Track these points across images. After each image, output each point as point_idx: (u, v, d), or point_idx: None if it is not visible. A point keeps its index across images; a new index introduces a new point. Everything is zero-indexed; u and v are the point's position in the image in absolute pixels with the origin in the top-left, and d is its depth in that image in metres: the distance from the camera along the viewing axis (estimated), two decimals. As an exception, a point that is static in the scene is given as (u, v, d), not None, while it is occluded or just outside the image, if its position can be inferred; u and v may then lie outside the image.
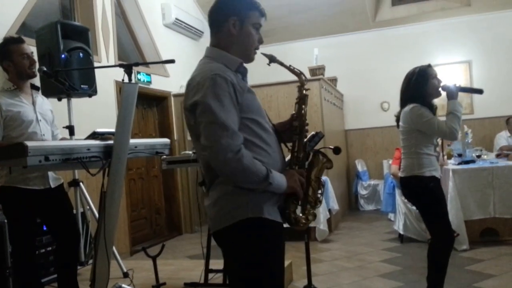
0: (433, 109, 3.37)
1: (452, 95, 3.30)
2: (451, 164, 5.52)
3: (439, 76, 3.43)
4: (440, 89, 3.37)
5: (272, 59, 2.07)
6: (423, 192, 3.34)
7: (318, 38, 8.81)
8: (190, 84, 1.86)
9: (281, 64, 2.08)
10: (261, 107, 1.94)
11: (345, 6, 8.20)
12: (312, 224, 4.74)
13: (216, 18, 1.96)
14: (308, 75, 6.37)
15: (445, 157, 5.46)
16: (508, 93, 8.02)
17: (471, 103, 8.23)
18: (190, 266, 4.64)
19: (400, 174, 3.48)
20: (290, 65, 2.10)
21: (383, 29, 8.72)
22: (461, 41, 8.34)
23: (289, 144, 2.05)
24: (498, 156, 6.20)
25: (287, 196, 1.90)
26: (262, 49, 2.01)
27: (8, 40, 3.39)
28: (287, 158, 2.02)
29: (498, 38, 8.14)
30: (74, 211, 3.75)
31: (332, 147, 2.23)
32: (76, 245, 3.51)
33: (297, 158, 2.00)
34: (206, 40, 8.42)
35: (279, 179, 1.84)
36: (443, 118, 3.29)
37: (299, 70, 2.11)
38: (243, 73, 1.95)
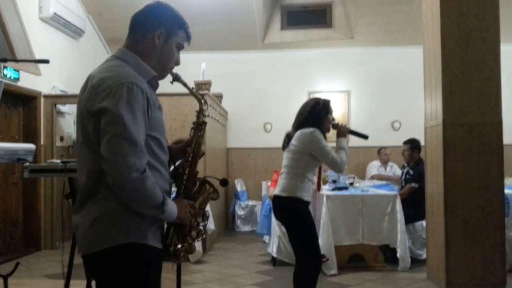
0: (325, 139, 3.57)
1: (343, 133, 3.62)
2: (326, 190, 5.67)
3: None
4: (331, 125, 3.63)
5: (176, 77, 1.93)
6: (299, 215, 3.42)
7: (206, 52, 8.60)
8: (99, 86, 1.67)
9: (185, 85, 1.96)
10: (164, 125, 1.82)
11: (235, 24, 8.20)
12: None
13: (143, 23, 1.84)
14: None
15: (321, 182, 5.60)
16: (381, 124, 8.54)
17: (347, 132, 8.63)
18: (47, 287, 4.26)
19: (278, 193, 3.49)
20: (193, 88, 1.99)
21: (271, 51, 8.87)
22: (343, 71, 8.77)
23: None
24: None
25: (174, 227, 1.78)
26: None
27: None
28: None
29: (376, 72, 8.67)
30: None
31: (220, 178, 2.08)
32: None
33: (186, 187, 1.87)
34: (86, 40, 8.02)
35: (172, 208, 1.71)
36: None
37: (201, 96, 2.00)
38: (155, 87, 1.82)
